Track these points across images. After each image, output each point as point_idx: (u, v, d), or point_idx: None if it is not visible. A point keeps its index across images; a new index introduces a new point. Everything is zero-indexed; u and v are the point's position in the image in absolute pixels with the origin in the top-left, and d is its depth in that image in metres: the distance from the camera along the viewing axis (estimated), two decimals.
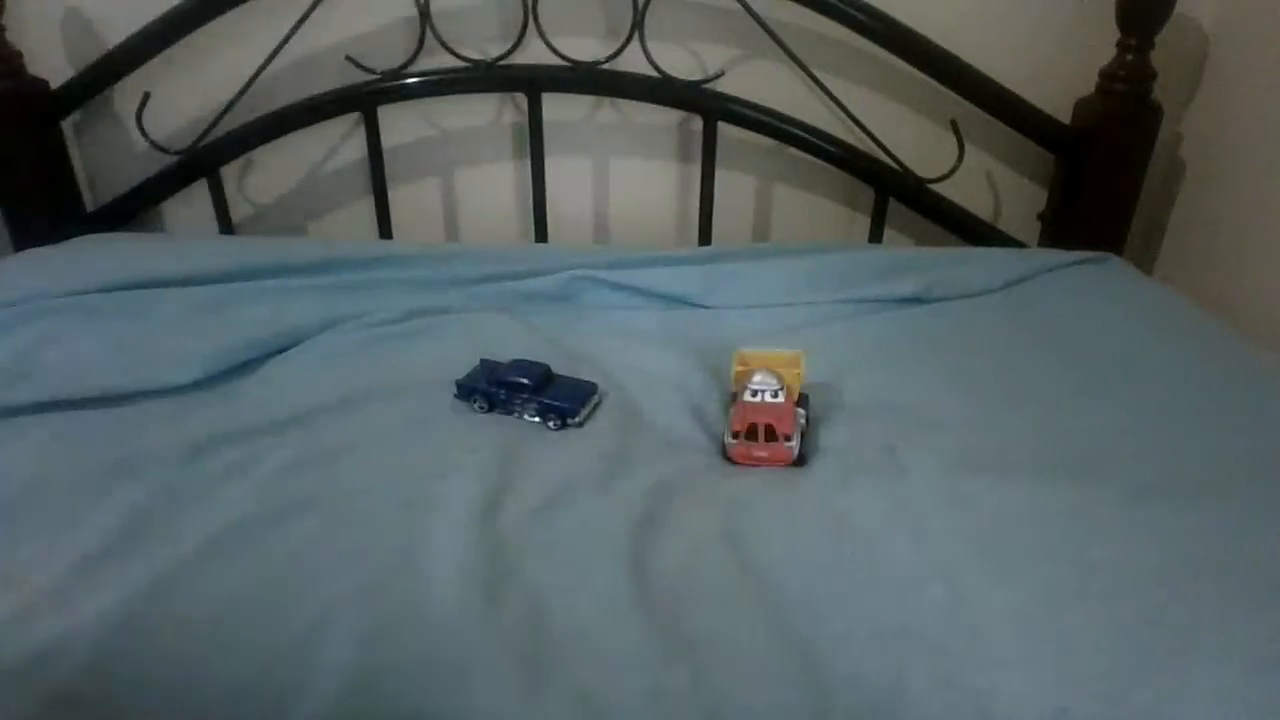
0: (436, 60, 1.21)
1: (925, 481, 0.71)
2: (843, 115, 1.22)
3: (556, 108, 1.26)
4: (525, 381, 0.82)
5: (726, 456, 0.78)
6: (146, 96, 1.21)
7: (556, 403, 0.81)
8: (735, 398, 0.81)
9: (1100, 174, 1.20)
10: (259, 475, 0.74)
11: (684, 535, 0.67)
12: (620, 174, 1.35)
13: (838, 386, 0.87)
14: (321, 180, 1.35)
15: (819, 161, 1.26)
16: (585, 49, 1.21)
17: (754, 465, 0.76)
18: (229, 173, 1.30)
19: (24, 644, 0.56)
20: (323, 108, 1.23)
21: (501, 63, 1.20)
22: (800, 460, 0.77)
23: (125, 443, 0.78)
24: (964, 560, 0.63)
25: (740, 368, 0.83)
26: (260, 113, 1.23)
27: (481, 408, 0.84)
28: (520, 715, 0.52)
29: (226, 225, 1.31)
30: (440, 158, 1.34)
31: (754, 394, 0.78)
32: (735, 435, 0.76)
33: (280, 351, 0.94)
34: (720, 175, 1.28)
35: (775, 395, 0.78)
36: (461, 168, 1.35)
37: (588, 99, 1.29)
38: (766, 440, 0.75)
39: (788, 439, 0.75)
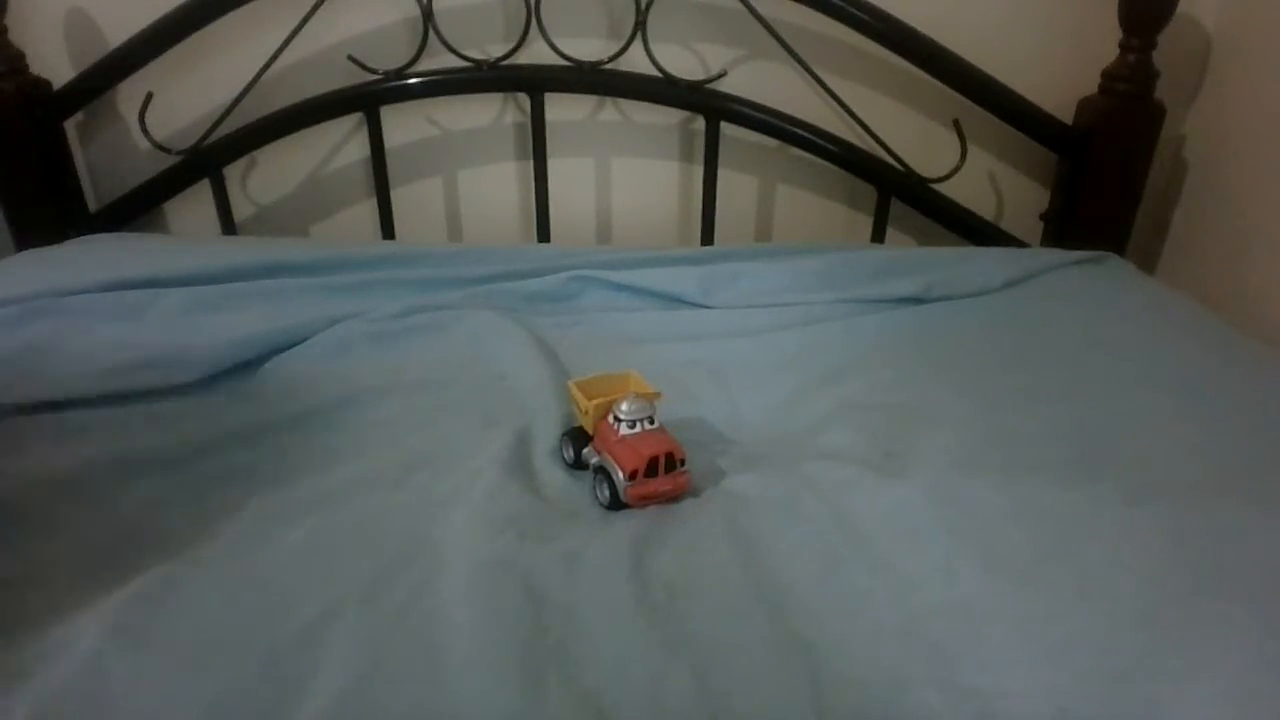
0: (439, 60, 1.22)
1: (924, 481, 0.71)
2: (845, 115, 1.22)
3: (559, 108, 1.27)
4: None
5: (618, 503, 0.69)
6: (149, 97, 1.21)
7: None
8: (584, 434, 0.75)
9: (1103, 174, 1.20)
10: (260, 475, 0.74)
11: (686, 535, 0.67)
12: (622, 174, 1.35)
13: (837, 386, 0.87)
14: (324, 180, 1.35)
15: (821, 161, 1.26)
16: (588, 49, 1.21)
17: (648, 504, 0.70)
18: (232, 173, 1.30)
19: (24, 644, 0.56)
20: (325, 108, 1.24)
21: (504, 63, 1.21)
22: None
23: (126, 443, 0.78)
24: (964, 560, 0.63)
25: (590, 399, 0.74)
26: (263, 113, 1.23)
27: None
28: (520, 716, 0.52)
29: (229, 225, 1.31)
30: (443, 158, 1.35)
31: (632, 425, 0.71)
32: (632, 476, 0.68)
33: (282, 351, 0.94)
34: (722, 175, 1.28)
35: (652, 421, 0.72)
36: (464, 168, 1.35)
37: (590, 99, 1.29)
38: (667, 471, 0.70)
39: (683, 463, 0.70)
